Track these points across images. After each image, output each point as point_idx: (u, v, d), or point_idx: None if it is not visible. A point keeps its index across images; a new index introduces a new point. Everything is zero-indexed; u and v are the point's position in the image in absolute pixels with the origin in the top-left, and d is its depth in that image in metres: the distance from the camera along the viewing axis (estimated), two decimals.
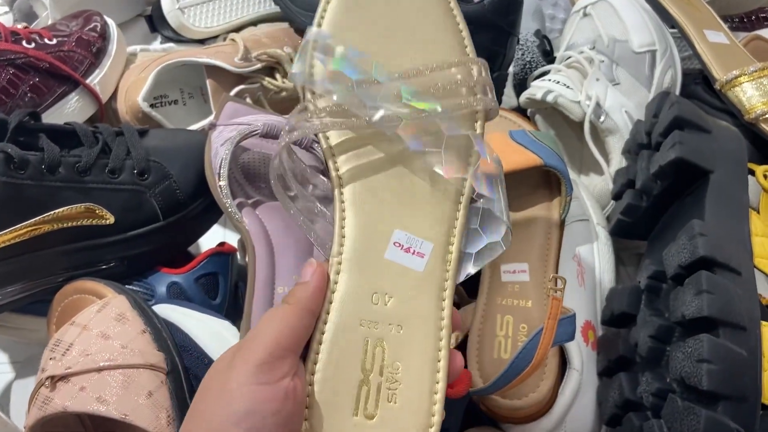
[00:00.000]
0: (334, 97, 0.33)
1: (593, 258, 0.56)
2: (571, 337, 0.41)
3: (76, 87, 0.59)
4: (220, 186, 0.45)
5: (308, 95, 0.34)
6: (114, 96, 0.64)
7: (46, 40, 0.58)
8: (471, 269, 0.34)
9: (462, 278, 0.34)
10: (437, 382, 0.31)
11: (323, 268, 0.32)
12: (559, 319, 0.38)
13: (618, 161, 0.61)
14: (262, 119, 0.50)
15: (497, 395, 0.45)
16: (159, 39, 0.80)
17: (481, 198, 0.35)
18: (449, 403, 0.34)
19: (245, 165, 0.50)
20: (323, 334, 0.31)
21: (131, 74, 0.63)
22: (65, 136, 0.48)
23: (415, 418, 0.31)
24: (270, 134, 0.48)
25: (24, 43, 0.57)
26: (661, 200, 0.52)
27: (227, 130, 0.49)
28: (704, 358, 0.38)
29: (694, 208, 0.47)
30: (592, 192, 0.61)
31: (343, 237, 0.33)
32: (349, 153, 0.34)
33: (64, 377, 0.38)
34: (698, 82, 0.66)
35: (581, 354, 0.49)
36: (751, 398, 0.38)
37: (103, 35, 0.63)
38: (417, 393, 0.31)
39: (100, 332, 0.40)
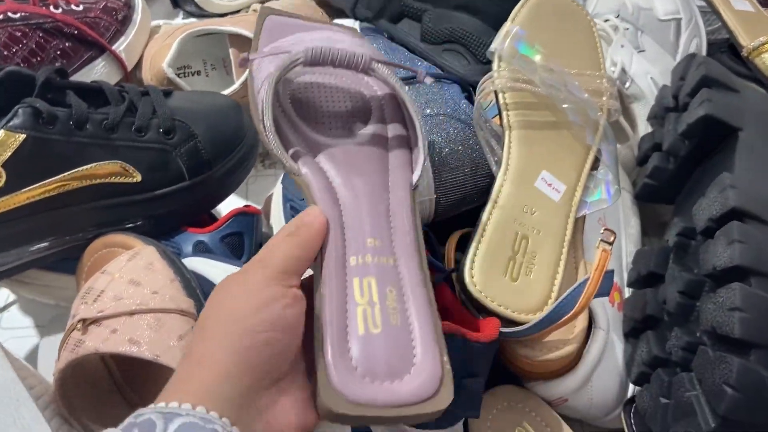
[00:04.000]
0: (520, 71, 0.49)
1: (619, 221, 0.56)
2: (608, 292, 0.42)
3: (103, 53, 0.60)
4: (267, 135, 0.37)
5: (495, 65, 0.50)
6: (138, 66, 0.64)
7: (73, 6, 0.59)
8: (585, 210, 0.49)
9: (579, 215, 0.49)
10: (558, 273, 0.46)
11: (323, 216, 0.35)
12: None
13: (643, 128, 0.61)
14: (308, 39, 0.42)
15: (527, 347, 0.45)
16: (181, 15, 0.81)
17: (597, 168, 0.51)
18: (478, 349, 0.37)
19: (299, 100, 0.41)
20: (489, 220, 0.46)
21: (155, 43, 0.63)
22: (92, 94, 0.48)
23: (541, 289, 0.45)
24: (317, 62, 0.38)
25: (51, 8, 0.57)
26: (688, 161, 0.52)
27: (266, 61, 0.41)
28: (737, 307, 0.37)
29: (724, 164, 0.47)
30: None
31: (509, 165, 0.48)
32: (517, 110, 0.50)
33: (96, 320, 0.38)
34: (724, 50, 0.66)
35: (606, 314, 0.49)
36: None
37: (128, 4, 0.63)
38: (544, 275, 0.46)
39: (131, 279, 0.40)
